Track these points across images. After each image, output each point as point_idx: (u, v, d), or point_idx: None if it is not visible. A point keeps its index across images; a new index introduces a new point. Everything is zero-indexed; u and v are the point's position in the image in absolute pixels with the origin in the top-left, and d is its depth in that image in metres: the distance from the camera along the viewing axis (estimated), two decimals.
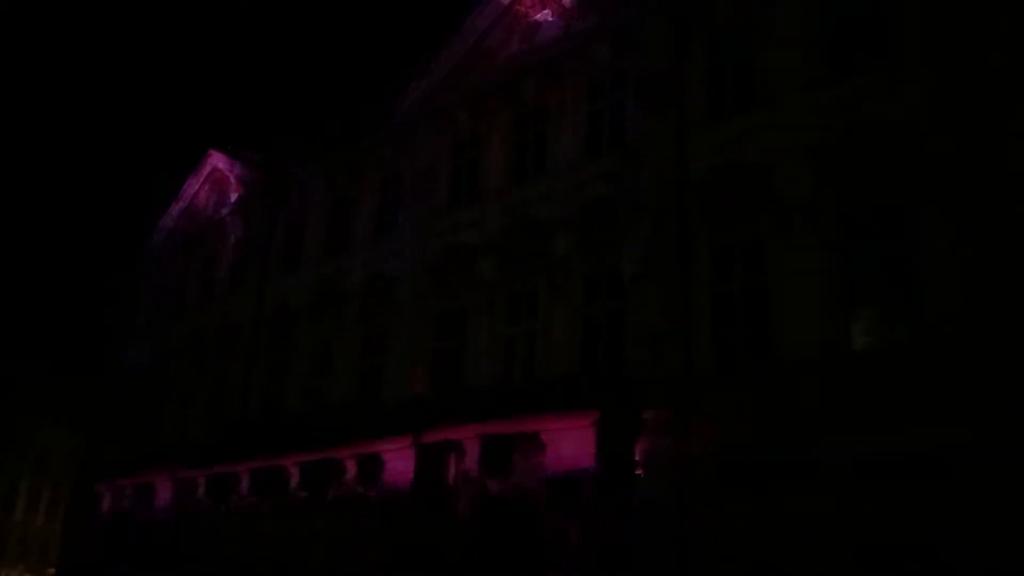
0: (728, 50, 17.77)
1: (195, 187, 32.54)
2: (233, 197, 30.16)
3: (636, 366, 16.44)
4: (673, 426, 15.45)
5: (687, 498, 14.97)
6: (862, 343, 14.18)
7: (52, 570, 30.62)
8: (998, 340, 12.50)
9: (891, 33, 15.28)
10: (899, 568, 12.51)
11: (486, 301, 20.15)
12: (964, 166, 13.55)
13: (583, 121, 19.79)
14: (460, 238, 21.36)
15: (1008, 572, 11.39)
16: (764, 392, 14.65)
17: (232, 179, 30.47)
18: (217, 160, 31.55)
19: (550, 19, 20.58)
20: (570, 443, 15.43)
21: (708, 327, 16.03)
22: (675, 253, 16.74)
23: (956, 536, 11.96)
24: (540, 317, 18.93)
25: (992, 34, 13.97)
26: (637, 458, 15.71)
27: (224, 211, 30.49)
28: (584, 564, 14.74)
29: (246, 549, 23.41)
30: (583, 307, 18.26)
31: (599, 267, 18.06)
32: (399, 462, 18.46)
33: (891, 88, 14.82)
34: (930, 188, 13.87)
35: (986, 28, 14.06)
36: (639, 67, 18.73)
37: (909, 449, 12.63)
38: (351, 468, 19.67)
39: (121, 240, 36.70)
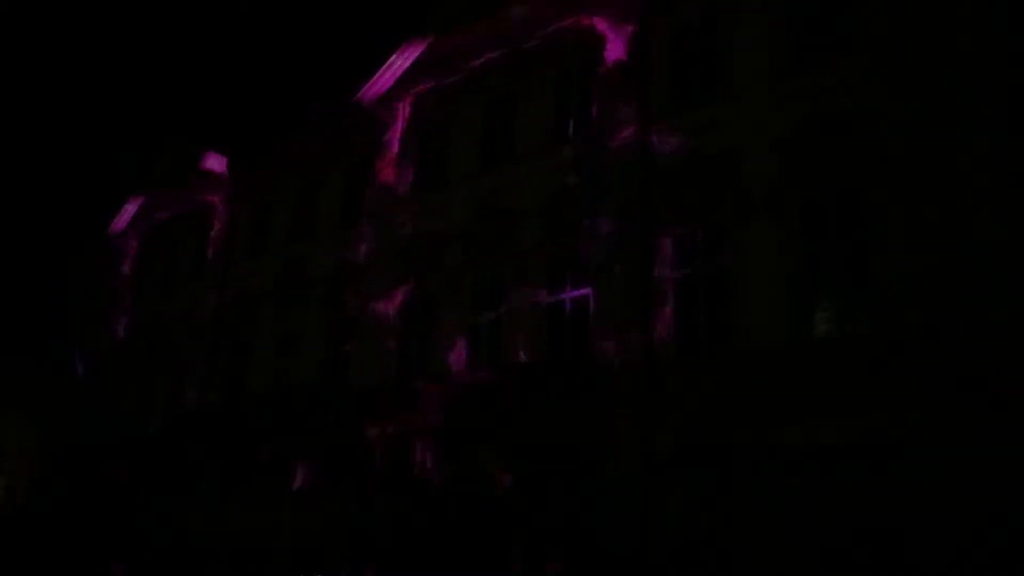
0: (693, 39, 17.89)
1: (158, 173, 31.99)
2: (197, 182, 29.70)
3: (601, 353, 16.55)
4: (637, 411, 15.60)
5: (650, 483, 15.13)
6: (824, 331, 14.40)
7: None
8: (955, 330, 12.76)
9: (855, 24, 15.45)
10: (857, 550, 12.78)
11: (453, 288, 20.15)
12: (923, 158, 13.76)
13: (550, 109, 19.82)
14: (427, 225, 21.31)
15: (961, 551, 11.68)
16: (727, 378, 14.83)
17: (196, 164, 30.00)
18: (180, 146, 31.02)
19: (518, 7, 20.50)
20: (538, 433, 15.53)
21: (672, 314, 16.18)
22: (639, 241, 16.86)
23: (913, 518, 12.23)
24: (506, 304, 18.97)
25: (954, 27, 14.19)
26: (603, 444, 15.84)
27: (188, 196, 30.04)
28: (550, 547, 14.86)
29: (209, 539, 23.29)
30: (549, 294, 18.33)
31: (565, 255, 18.12)
32: (366, 450, 18.44)
33: (854, 80, 15.01)
34: (890, 179, 14.09)
35: (949, 21, 14.28)
36: (605, 55, 18.75)
37: (868, 435, 12.88)
38: (318, 457, 19.61)
39: (81, 227, 35.91)
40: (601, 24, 18.91)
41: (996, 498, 11.64)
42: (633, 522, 14.88)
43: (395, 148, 22.93)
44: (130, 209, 32.85)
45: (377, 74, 23.34)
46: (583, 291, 17.31)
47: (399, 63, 23.07)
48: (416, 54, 22.74)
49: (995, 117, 13.28)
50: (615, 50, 18.49)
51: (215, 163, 28.83)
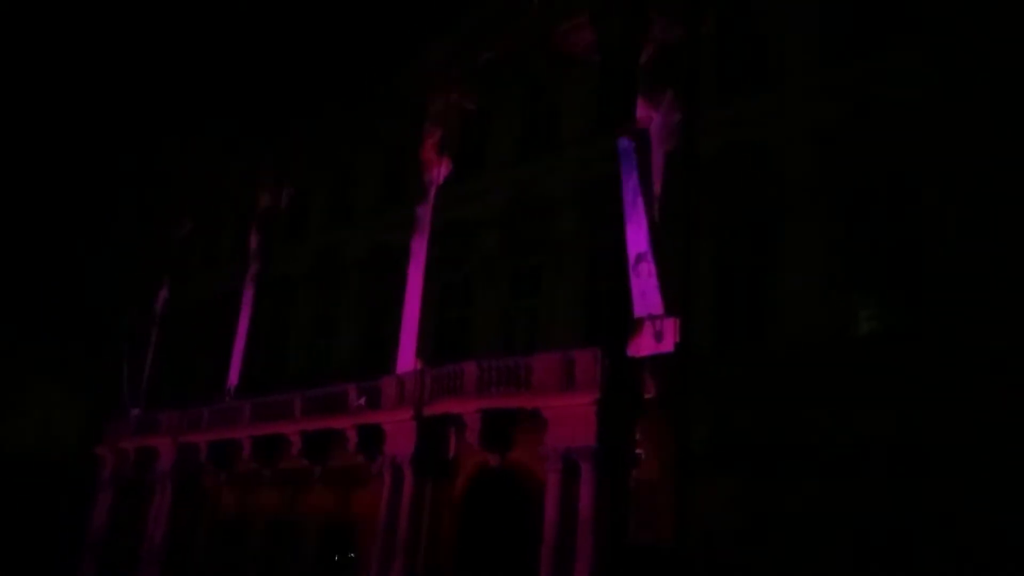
0: (739, 29, 17.52)
1: (202, 154, 32.38)
2: (239, 165, 29.98)
3: (639, 343, 16.40)
4: (673, 406, 15.45)
5: (684, 477, 14.99)
6: (865, 328, 14.08)
7: None
8: (999, 328, 12.39)
9: (906, 11, 14.96)
10: (897, 551, 12.56)
11: (490, 275, 20.11)
12: (972, 151, 13.33)
13: (593, 98, 19.61)
14: (465, 211, 21.26)
15: (1006, 552, 11.40)
16: (764, 374, 14.63)
17: (238, 148, 30.28)
18: (223, 128, 31.37)
19: None
20: (571, 421, 15.47)
21: (710, 307, 15.98)
22: (681, 231, 16.64)
23: (956, 519, 11.98)
24: (543, 293, 18.88)
25: (1004, 17, 13.68)
26: (637, 437, 15.73)
27: (230, 179, 30.35)
28: (583, 540, 14.81)
29: (243, 515, 23.69)
30: (586, 284, 18.18)
31: (604, 245, 17.94)
32: (400, 434, 18.52)
33: (901, 70, 14.57)
34: (936, 173, 13.68)
35: (998, 11, 13.77)
36: (650, 46, 18.45)
37: (909, 435, 12.61)
38: (352, 438, 19.75)
39: (128, 206, 36.45)
40: (645, 15, 18.63)
41: None
42: (668, 518, 14.76)
43: (436, 134, 22.86)
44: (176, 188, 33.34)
45: (417, 59, 23.30)
46: (622, 281, 17.10)
47: (440, 48, 22.98)
48: (456, 41, 22.63)
49: None
50: (660, 38, 18.18)
51: (257, 147, 29.07)
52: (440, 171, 22.53)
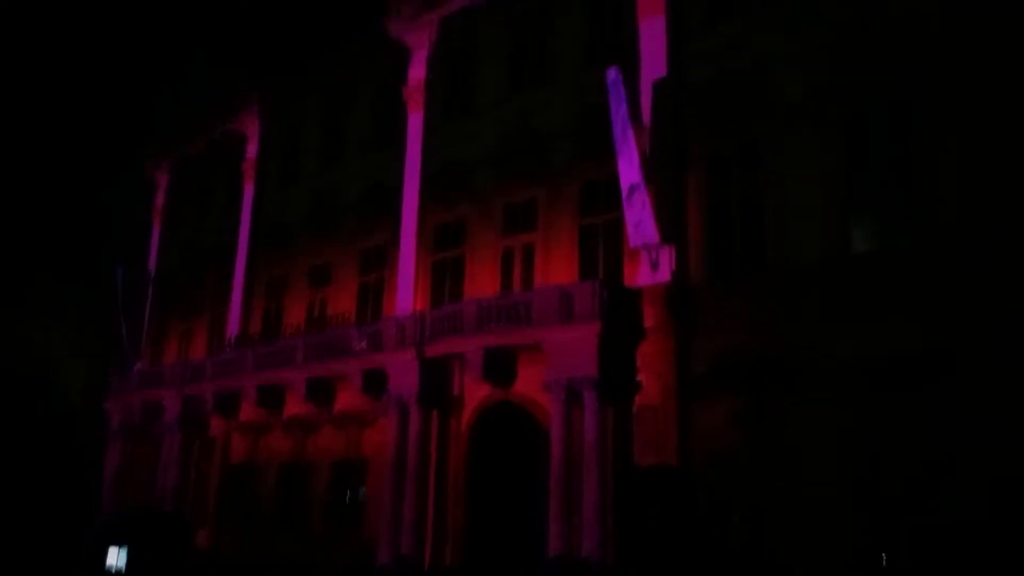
0: None
1: (186, 104, 32.04)
2: (226, 114, 29.70)
3: (635, 274, 16.66)
4: (671, 332, 15.77)
5: (685, 401, 15.40)
6: (863, 247, 14.28)
7: None
8: (999, 243, 12.60)
9: None
10: (896, 468, 13.00)
11: (485, 212, 20.22)
12: (974, 67, 13.26)
13: (582, 28, 19.42)
14: (457, 149, 21.26)
15: (1006, 467, 11.82)
16: (761, 297, 14.91)
17: (224, 95, 29.95)
18: (208, 75, 30.96)
19: None
20: (572, 352, 15.77)
21: (706, 234, 16.18)
22: (672, 161, 16.74)
23: (955, 434, 12.33)
24: (538, 228, 19.03)
25: None
26: (637, 364, 16.09)
27: (217, 127, 30.10)
28: (588, 465, 15.25)
29: (253, 460, 24.15)
30: (582, 217, 18.34)
31: (597, 177, 18.04)
32: (404, 374, 18.84)
33: None
34: (936, 88, 13.62)
35: None
36: None
37: (908, 350, 12.90)
38: (356, 381, 20.08)
39: (116, 161, 36.19)
40: None
41: None
42: (670, 441, 15.21)
43: (423, 72, 22.70)
44: (162, 139, 33.06)
45: None
46: (617, 213, 17.25)
47: None
48: None
49: None
50: None
51: (244, 93, 28.78)
52: (428, 108, 22.42)
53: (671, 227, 16.26)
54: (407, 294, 21.40)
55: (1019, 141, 12.72)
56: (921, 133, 13.79)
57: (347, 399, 21.13)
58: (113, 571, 17.93)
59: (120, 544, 17.98)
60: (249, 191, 28.10)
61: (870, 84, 14.50)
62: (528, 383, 17.13)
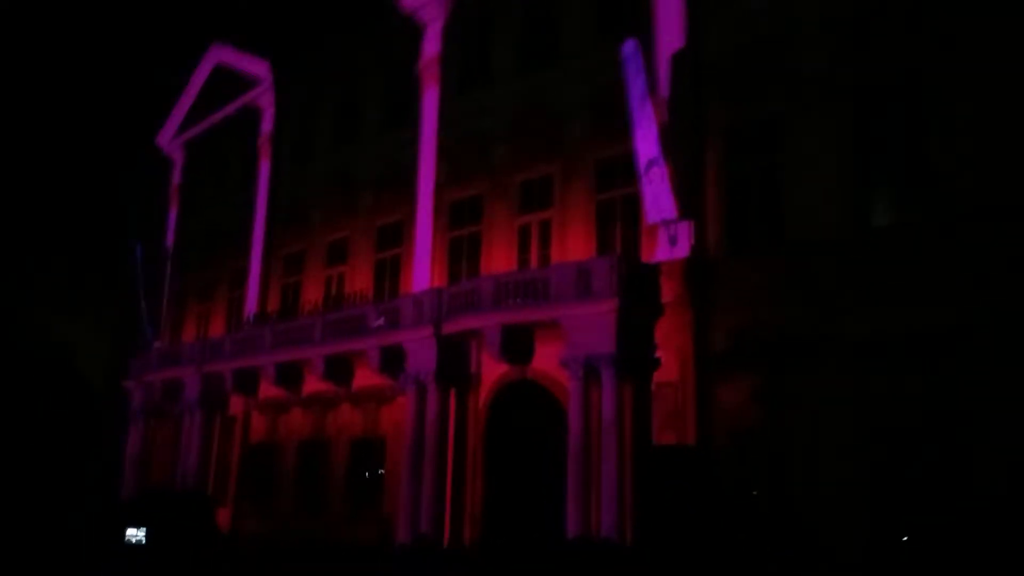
0: None
1: (200, 82, 32.01)
2: (240, 91, 29.63)
3: (652, 250, 16.47)
4: (690, 308, 15.60)
5: (703, 377, 15.25)
6: (879, 221, 14.04)
7: None
8: (1015, 217, 12.35)
9: None
10: (914, 444, 12.83)
11: (501, 188, 20.05)
12: (988, 41, 13.01)
13: (595, 1, 19.10)
14: (472, 125, 21.06)
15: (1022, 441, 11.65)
16: (779, 272, 14.72)
17: (237, 72, 29.88)
18: (221, 54, 30.89)
19: None
20: (590, 329, 15.64)
21: (723, 208, 15.95)
22: (689, 135, 16.47)
23: (972, 410, 12.17)
24: (555, 204, 18.84)
25: None
26: (655, 341, 15.93)
27: (233, 106, 30.04)
28: (607, 443, 15.16)
29: (273, 438, 24.29)
30: (599, 192, 18.12)
31: (613, 152, 17.80)
32: (421, 352, 18.79)
33: None
34: (951, 62, 13.37)
35: None
36: None
37: (926, 325, 12.70)
38: (374, 359, 20.06)
39: (133, 139, 36.24)
40: None
41: None
42: (689, 417, 15.09)
43: (437, 49, 22.46)
44: (176, 118, 33.06)
45: None
46: (634, 188, 17.03)
47: None
48: None
49: None
50: None
51: (257, 69, 28.68)
52: (442, 85, 22.22)
53: (689, 202, 16.03)
54: (424, 271, 21.33)
55: None
56: (936, 105, 13.51)
57: (365, 377, 21.16)
58: (135, 546, 18.09)
59: (141, 525, 18.12)
60: (265, 168, 28.06)
61: (887, 56, 14.21)
62: (545, 360, 17.03)
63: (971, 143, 12.98)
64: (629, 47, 16.56)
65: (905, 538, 12.66)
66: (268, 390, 23.93)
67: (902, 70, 14.07)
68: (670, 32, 17.09)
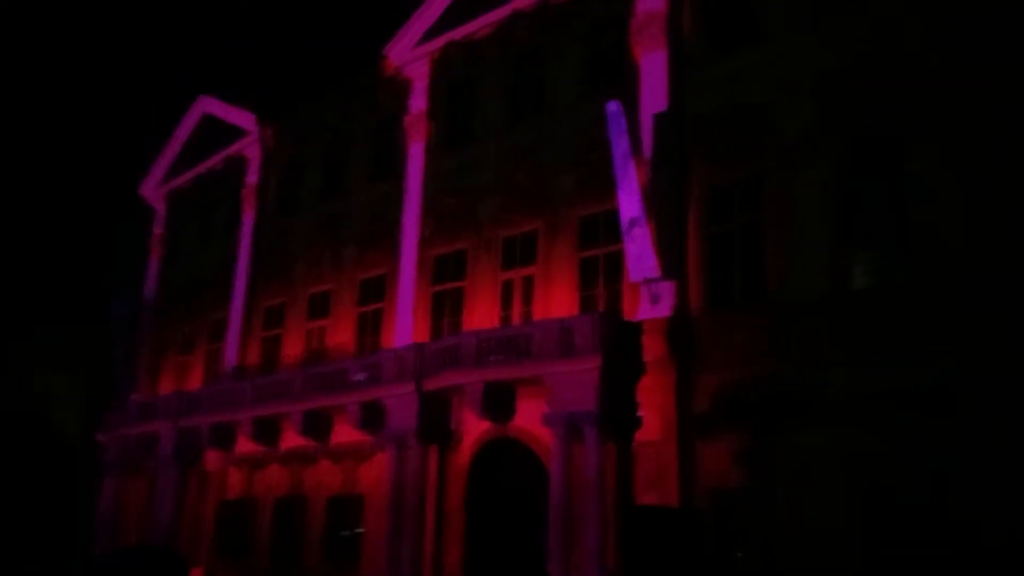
0: None
1: (186, 132, 32.11)
2: (226, 142, 29.75)
3: (635, 307, 16.49)
4: (672, 367, 15.55)
5: (686, 436, 15.15)
6: (862, 283, 14.16)
7: None
8: (994, 278, 12.49)
9: None
10: (899, 503, 12.74)
11: (485, 244, 20.09)
12: (969, 104, 13.29)
13: (580, 61, 19.44)
14: (458, 180, 21.19)
15: (1006, 502, 11.58)
16: (762, 331, 14.74)
17: (224, 123, 30.03)
18: (208, 105, 31.07)
19: None
20: (573, 387, 15.52)
21: (706, 267, 16.03)
22: (672, 194, 16.63)
23: (956, 468, 12.14)
24: (539, 260, 18.88)
25: None
26: (637, 399, 15.85)
27: (218, 156, 30.12)
28: (589, 503, 14.95)
29: (249, 494, 23.81)
30: (583, 249, 18.19)
31: (597, 209, 17.94)
32: (402, 408, 18.58)
33: (899, 21, 14.45)
34: (932, 125, 13.65)
35: None
36: (636, 4, 18.26)
37: (908, 385, 12.72)
38: (354, 414, 19.81)
39: (114, 188, 36.24)
40: None
41: None
42: (672, 477, 14.94)
43: (423, 104, 22.71)
44: (161, 169, 33.08)
45: (402, 30, 23.06)
46: (617, 246, 17.12)
47: (424, 18, 22.73)
48: (442, 8, 22.40)
49: None
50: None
51: (244, 121, 28.84)
52: (428, 139, 22.41)
53: (672, 261, 16.11)
54: (406, 326, 21.23)
55: (1013, 177, 12.60)
56: (917, 169, 13.74)
57: (344, 433, 20.86)
58: None
59: None
60: (249, 219, 28.01)
61: (868, 119, 14.50)
62: (527, 418, 16.87)
63: (950, 208, 13.18)
64: (613, 107, 16.79)
65: None
66: (245, 445, 23.52)
67: (885, 134, 14.33)
68: (654, 93, 17.37)
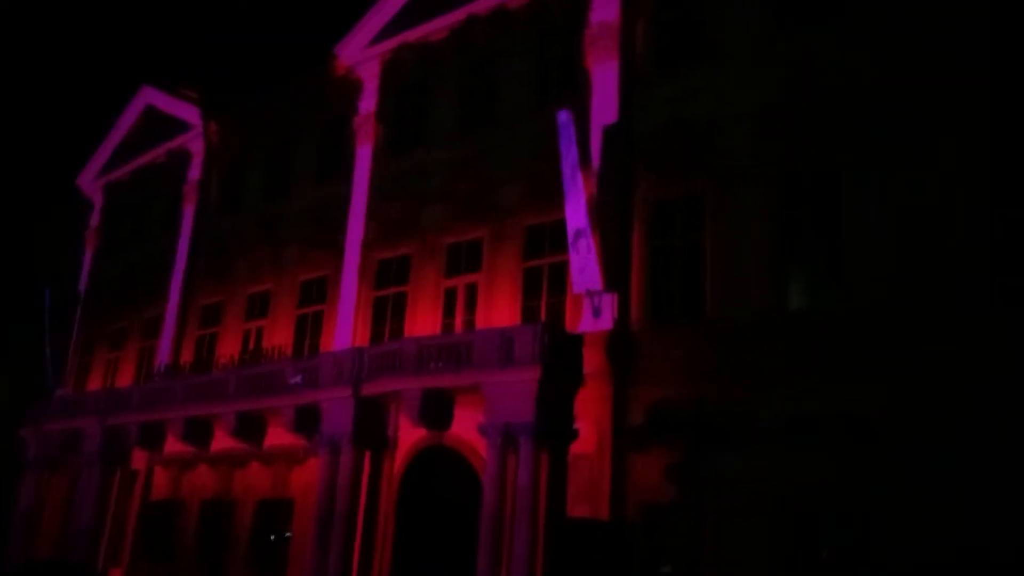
0: (678, 2, 17.52)
1: (127, 123, 31.30)
2: (168, 135, 29.06)
3: (577, 319, 16.48)
4: (610, 380, 15.57)
5: (620, 450, 15.16)
6: (796, 305, 14.37)
7: None
8: (922, 306, 12.78)
9: None
10: (822, 526, 12.91)
11: (429, 250, 19.92)
12: (901, 134, 13.63)
13: (533, 70, 19.44)
14: (405, 185, 20.99)
15: (928, 530, 11.80)
16: (698, 348, 14.86)
17: (167, 116, 29.35)
18: (151, 96, 30.35)
19: None
20: (511, 397, 15.43)
21: (648, 282, 16.12)
22: (618, 207, 16.70)
23: (879, 495, 12.34)
24: (483, 268, 18.78)
25: (928, 18, 13.94)
26: (575, 411, 15.82)
27: (160, 150, 29.40)
28: (520, 514, 14.85)
29: (176, 495, 23.20)
30: (527, 259, 18.15)
31: (543, 219, 17.93)
32: (338, 412, 18.27)
33: (838, 49, 14.80)
34: (867, 154, 13.96)
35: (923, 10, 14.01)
36: (590, 16, 18.35)
37: (834, 410, 12.93)
38: (288, 417, 19.42)
39: (50, 178, 35.11)
40: None
41: (962, 473, 11.75)
42: (604, 490, 14.92)
43: (373, 106, 22.47)
44: (100, 161, 32.18)
45: (355, 29, 22.81)
46: (562, 256, 17.12)
47: (378, 17, 22.53)
48: (396, 9, 22.22)
49: (980, 95, 13.13)
50: (601, 11, 18.10)
51: (188, 115, 28.23)
52: (376, 142, 22.18)
53: (615, 274, 16.16)
54: (346, 330, 20.92)
55: (938, 210, 12.95)
56: (851, 201, 14.03)
57: (277, 436, 20.44)
58: None
59: None
60: (189, 215, 27.38)
61: (808, 146, 14.75)
62: (464, 427, 16.72)
63: (880, 237, 13.47)
64: (564, 116, 16.80)
65: None
66: (174, 445, 22.90)
67: (822, 162, 14.60)
68: (604, 105, 17.43)
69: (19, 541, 26.04)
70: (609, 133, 17.18)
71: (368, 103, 22.60)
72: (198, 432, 22.00)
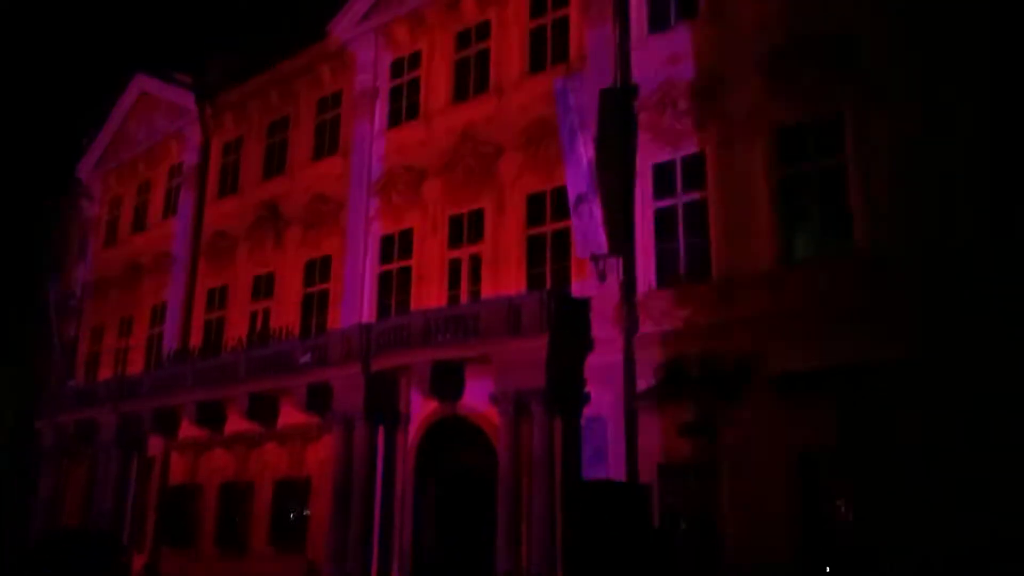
0: None
1: (123, 111, 31.16)
2: (164, 121, 28.96)
3: (583, 284, 16.48)
4: (620, 343, 15.59)
5: (633, 413, 15.21)
6: (800, 256, 14.33)
7: None
8: (929, 253, 12.73)
9: None
10: (838, 477, 12.98)
11: (431, 223, 19.90)
12: (900, 80, 13.51)
13: (526, 37, 19.26)
14: (404, 159, 20.91)
15: (946, 479, 11.83)
16: (707, 306, 14.84)
17: (162, 102, 29.22)
18: (145, 83, 30.17)
19: None
20: (520, 365, 15.51)
21: (653, 243, 16.08)
22: (619, 170, 16.60)
23: (894, 445, 12.35)
24: (486, 238, 18.76)
25: None
26: (585, 375, 15.87)
27: (156, 136, 29.31)
28: (536, 479, 14.97)
29: (193, 479, 23.41)
30: (528, 227, 18.11)
31: (544, 186, 17.88)
32: (349, 389, 18.37)
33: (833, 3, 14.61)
34: (867, 101, 13.84)
35: None
36: None
37: (845, 361, 12.88)
38: (300, 396, 19.54)
39: (48, 168, 35.01)
40: None
41: (984, 416, 11.74)
42: (619, 452, 15.01)
43: (370, 79, 22.33)
44: (98, 149, 32.08)
45: (347, 5, 22.62)
46: (564, 223, 17.09)
47: None
48: None
49: (981, 40, 12.98)
50: None
51: (183, 100, 28.08)
52: (373, 118, 22.07)
53: (618, 237, 16.09)
54: (353, 306, 20.94)
55: (943, 153, 12.85)
56: (854, 148, 13.91)
57: (290, 415, 20.58)
58: None
59: (46, 569, 17.15)
60: (189, 200, 27.32)
61: (809, 97, 14.57)
62: (475, 396, 16.82)
63: (885, 181, 13.39)
64: (559, 83, 16.69)
65: (829, 568, 12.77)
66: (189, 430, 23.08)
67: (823, 112, 14.47)
68: (600, 68, 17.27)
69: (42, 529, 26.33)
70: (607, 96, 17.03)
71: (364, 78, 22.43)
72: (211, 415, 22.16)
